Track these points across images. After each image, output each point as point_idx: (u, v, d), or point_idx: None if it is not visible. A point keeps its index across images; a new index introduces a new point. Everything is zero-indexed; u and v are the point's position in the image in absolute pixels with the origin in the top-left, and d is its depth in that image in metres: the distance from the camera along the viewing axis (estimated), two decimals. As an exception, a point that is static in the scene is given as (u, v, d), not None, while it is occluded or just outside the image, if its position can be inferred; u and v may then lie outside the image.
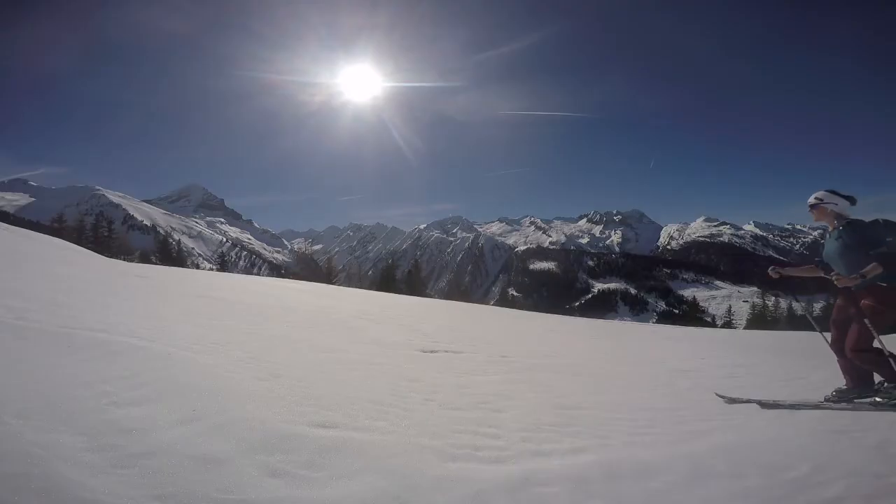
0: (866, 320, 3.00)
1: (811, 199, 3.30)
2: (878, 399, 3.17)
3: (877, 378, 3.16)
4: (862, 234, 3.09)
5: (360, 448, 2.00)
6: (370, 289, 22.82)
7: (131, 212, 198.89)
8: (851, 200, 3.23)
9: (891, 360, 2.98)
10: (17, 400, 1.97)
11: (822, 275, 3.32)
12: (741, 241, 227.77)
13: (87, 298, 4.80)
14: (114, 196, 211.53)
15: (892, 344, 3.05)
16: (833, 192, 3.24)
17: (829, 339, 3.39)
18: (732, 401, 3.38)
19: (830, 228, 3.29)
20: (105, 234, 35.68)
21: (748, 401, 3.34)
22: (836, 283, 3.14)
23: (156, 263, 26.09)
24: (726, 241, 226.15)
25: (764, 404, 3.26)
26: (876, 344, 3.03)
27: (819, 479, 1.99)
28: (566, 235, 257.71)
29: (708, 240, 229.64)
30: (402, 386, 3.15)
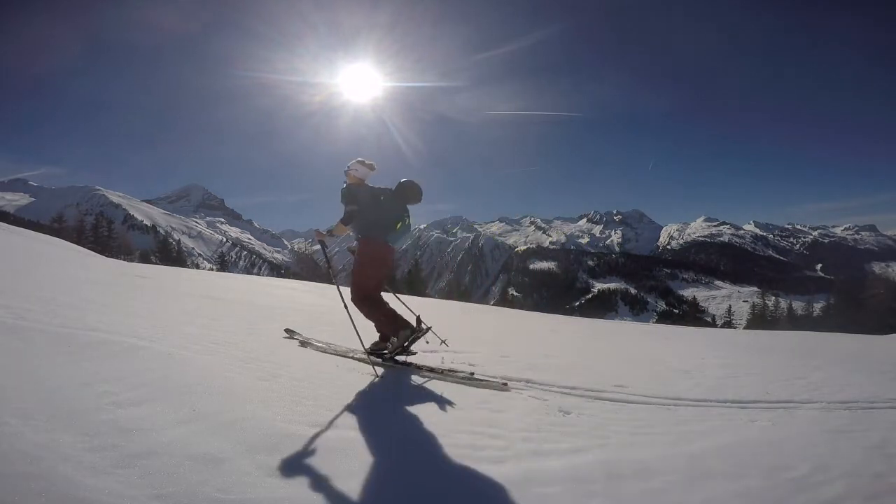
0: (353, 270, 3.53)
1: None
2: (366, 348, 3.61)
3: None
4: (346, 196, 3.50)
5: (360, 448, 2.00)
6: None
7: (131, 212, 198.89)
8: (371, 167, 3.70)
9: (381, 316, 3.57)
10: (17, 400, 1.97)
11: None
12: (741, 241, 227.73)
13: (87, 298, 4.80)
14: (114, 196, 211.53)
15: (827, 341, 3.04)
16: (361, 160, 3.69)
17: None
18: (305, 342, 4.07)
19: None
20: (105, 233, 35.78)
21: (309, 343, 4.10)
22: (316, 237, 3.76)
23: (156, 263, 26.12)
24: (726, 241, 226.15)
25: (315, 347, 3.97)
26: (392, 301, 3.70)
27: (819, 479, 1.99)
28: (566, 235, 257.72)
29: (708, 240, 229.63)
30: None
